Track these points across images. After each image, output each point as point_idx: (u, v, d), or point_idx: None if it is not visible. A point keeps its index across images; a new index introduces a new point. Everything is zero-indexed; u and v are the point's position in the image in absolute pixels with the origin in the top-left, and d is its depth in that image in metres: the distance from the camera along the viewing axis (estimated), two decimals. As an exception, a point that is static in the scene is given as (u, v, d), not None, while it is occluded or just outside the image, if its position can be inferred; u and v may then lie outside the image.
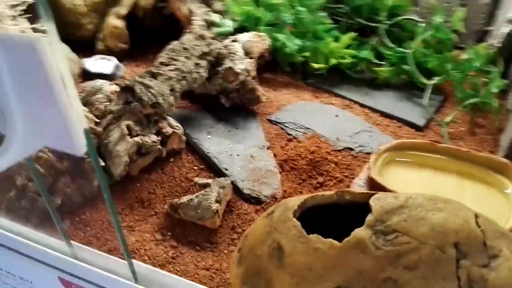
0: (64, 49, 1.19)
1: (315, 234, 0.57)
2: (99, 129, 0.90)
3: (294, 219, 0.60)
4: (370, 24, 1.35)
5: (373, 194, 0.62)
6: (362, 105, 1.23)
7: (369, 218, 0.57)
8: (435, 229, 0.55)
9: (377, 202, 0.59)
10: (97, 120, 0.92)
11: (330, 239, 0.56)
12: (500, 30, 1.30)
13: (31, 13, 1.07)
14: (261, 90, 1.14)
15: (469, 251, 0.55)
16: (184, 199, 0.84)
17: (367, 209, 0.58)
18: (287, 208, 0.62)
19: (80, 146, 0.31)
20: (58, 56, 0.30)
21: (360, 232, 0.55)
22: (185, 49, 1.05)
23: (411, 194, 0.60)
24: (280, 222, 0.60)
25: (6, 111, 0.30)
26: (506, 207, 0.86)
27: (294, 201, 0.63)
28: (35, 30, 1.06)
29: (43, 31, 1.03)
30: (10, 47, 0.28)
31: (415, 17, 1.39)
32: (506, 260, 0.54)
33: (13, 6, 1.03)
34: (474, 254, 0.54)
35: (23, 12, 1.04)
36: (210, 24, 1.28)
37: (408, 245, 0.54)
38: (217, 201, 0.83)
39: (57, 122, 0.30)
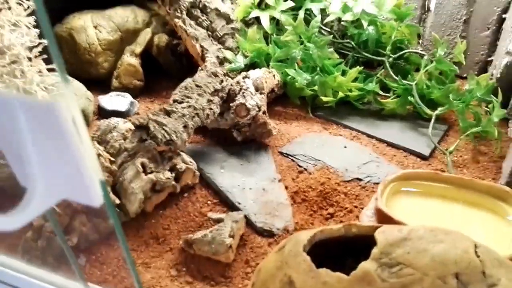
0: (80, 88, 1.25)
1: (324, 268, 0.60)
2: (114, 167, 0.95)
3: (304, 253, 0.63)
4: (375, 58, 1.39)
5: (378, 227, 0.65)
6: (369, 136, 1.27)
7: (375, 251, 0.60)
8: (435, 260, 0.58)
9: (381, 235, 0.62)
10: (112, 159, 0.96)
11: (338, 273, 0.59)
12: (499, 61, 1.34)
13: (47, 54, 1.13)
14: (272, 124, 1.18)
15: (469, 281, 0.57)
16: (199, 234, 0.87)
17: (373, 238, 0.62)
18: (297, 243, 0.65)
19: (96, 198, 0.35)
20: (74, 111, 0.33)
21: (366, 265, 0.58)
22: (198, 86, 1.11)
23: (413, 226, 0.64)
24: (291, 257, 0.64)
25: (26, 166, 0.34)
26: (508, 234, 0.89)
27: (304, 236, 0.67)
28: (50, 70, 1.11)
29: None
30: (31, 109, 0.32)
31: (419, 50, 1.44)
32: (505, 290, 0.56)
33: (30, 48, 1.08)
34: (474, 284, 0.57)
35: (39, 53, 1.09)
36: (222, 61, 1.33)
37: (412, 277, 0.57)
38: (230, 236, 0.86)
39: (74, 176, 0.34)
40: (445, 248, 0.59)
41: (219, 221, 0.92)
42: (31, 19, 1.04)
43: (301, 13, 1.33)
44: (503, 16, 1.42)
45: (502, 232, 0.90)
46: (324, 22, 1.38)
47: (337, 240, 0.70)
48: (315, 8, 1.36)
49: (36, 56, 1.03)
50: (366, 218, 0.94)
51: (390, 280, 0.57)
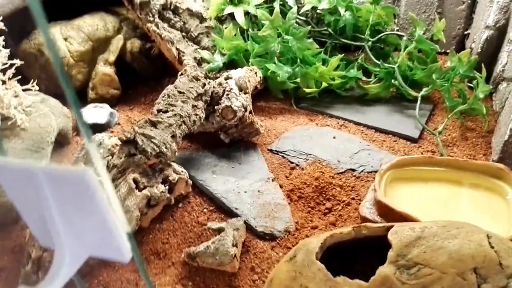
0: (56, 105, 1.20)
1: (342, 277, 0.59)
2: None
3: (318, 262, 0.62)
4: (354, 43, 1.38)
5: (389, 227, 0.64)
6: (356, 123, 1.26)
7: (391, 253, 0.59)
8: (453, 257, 0.57)
9: (395, 236, 0.61)
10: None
11: (357, 280, 0.58)
12: (478, 35, 1.34)
13: (21, 75, 1.08)
14: (259, 123, 1.16)
15: (487, 274, 0.57)
16: (201, 247, 0.85)
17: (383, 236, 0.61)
18: (309, 251, 0.64)
19: (126, 253, 0.33)
20: (101, 172, 0.31)
21: (384, 269, 0.57)
22: (180, 92, 1.07)
23: (425, 223, 0.63)
24: (304, 267, 0.62)
25: (53, 232, 0.32)
26: (509, 214, 0.89)
27: (315, 243, 0.65)
28: (25, 90, 1.06)
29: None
30: (60, 179, 0.30)
31: (396, 30, 1.43)
32: (525, 281, 0.56)
33: (2, 70, 1.03)
34: (493, 276, 0.57)
35: (12, 75, 1.04)
36: (200, 61, 1.30)
37: (431, 276, 0.56)
38: (233, 245, 0.84)
39: (105, 237, 0.32)
40: (460, 244, 0.58)
41: (219, 230, 0.89)
42: (0, 40, 0.99)
43: (277, 6, 1.30)
44: (477, -11, 1.42)
45: (503, 212, 0.90)
46: (300, 12, 1.35)
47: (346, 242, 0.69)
48: (290, -1, 1.33)
49: (9, 78, 0.98)
50: (366, 211, 0.93)
51: (410, 282, 0.56)
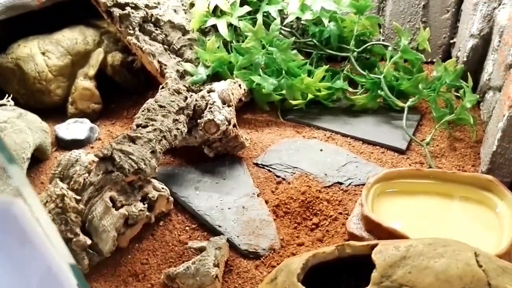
0: (35, 120, 1.16)
1: (323, 301, 0.56)
2: (81, 206, 0.88)
3: (300, 284, 0.59)
4: (340, 54, 1.36)
5: (374, 246, 0.61)
6: (344, 135, 1.23)
7: (374, 274, 0.56)
8: (439, 277, 0.55)
9: (379, 256, 0.58)
10: (78, 197, 0.89)
11: (339, 304, 0.55)
12: (464, 44, 1.33)
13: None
14: (244, 136, 1.13)
15: (477, 295, 0.54)
16: (181, 268, 0.82)
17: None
18: (290, 273, 0.61)
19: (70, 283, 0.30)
20: (33, 205, 0.28)
21: (368, 292, 0.54)
22: (161, 106, 1.04)
23: (411, 241, 0.60)
24: (285, 290, 0.59)
25: None
26: (499, 228, 0.87)
27: (296, 263, 0.62)
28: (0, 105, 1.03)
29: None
30: None
31: (381, 40, 1.41)
32: (515, 301, 0.54)
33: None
34: (483, 297, 0.54)
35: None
36: (183, 74, 1.27)
37: (417, 299, 0.53)
38: (215, 265, 0.81)
39: (43, 270, 0.29)
40: (447, 263, 0.56)
41: (201, 250, 0.86)
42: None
43: (260, 17, 1.28)
44: (461, -3, 1.41)
45: (493, 226, 0.88)
46: (285, 23, 1.34)
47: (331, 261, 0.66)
48: (273, 10, 1.31)
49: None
50: (354, 226, 0.91)
51: (395, 306, 0.53)
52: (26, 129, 1.05)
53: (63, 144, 1.23)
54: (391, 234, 0.80)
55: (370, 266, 0.59)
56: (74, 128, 1.25)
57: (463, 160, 1.14)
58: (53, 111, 1.35)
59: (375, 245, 0.61)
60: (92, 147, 1.23)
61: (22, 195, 0.28)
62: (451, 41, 1.48)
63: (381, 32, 1.54)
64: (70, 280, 0.30)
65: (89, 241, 0.86)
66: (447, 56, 1.49)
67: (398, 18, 1.50)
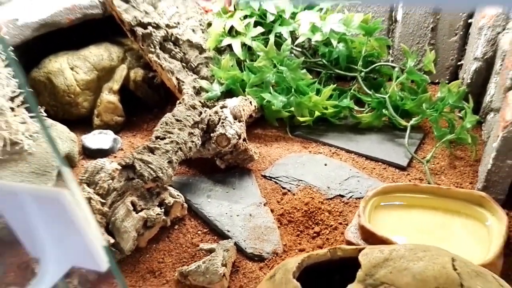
0: (64, 130, 1.27)
1: (313, 294, 0.63)
2: (105, 208, 0.97)
3: (294, 280, 0.66)
4: (348, 74, 1.44)
5: (362, 249, 0.69)
6: (348, 151, 1.31)
7: (359, 273, 0.64)
8: (416, 278, 0.62)
9: (365, 257, 0.66)
10: (103, 200, 0.98)
11: (327, 297, 0.62)
12: (468, 66, 1.39)
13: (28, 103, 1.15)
14: (253, 150, 1.22)
15: (449, 294, 0.61)
16: (192, 266, 0.90)
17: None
18: (287, 270, 0.69)
19: (102, 263, 0.39)
20: (76, 194, 0.37)
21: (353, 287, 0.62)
22: (178, 120, 1.14)
23: (394, 246, 0.68)
24: (282, 285, 0.67)
25: (38, 244, 0.38)
26: (488, 239, 0.93)
27: (293, 263, 0.70)
28: (32, 117, 1.13)
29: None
30: (40, 197, 0.36)
31: (390, 61, 1.48)
32: (482, 300, 0.60)
33: (12, 98, 1.10)
34: (455, 296, 0.61)
35: (21, 103, 1.11)
36: (199, 90, 1.36)
37: (396, 295, 0.61)
38: (223, 265, 0.89)
39: (82, 247, 0.38)
40: (425, 266, 0.63)
41: (211, 251, 0.95)
42: (10, 70, 1.06)
43: (272, 38, 1.37)
44: (469, 21, 1.47)
45: (481, 237, 0.94)
46: (296, 43, 1.42)
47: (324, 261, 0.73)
48: (284, 31, 1.40)
49: (18, 106, 1.06)
50: (351, 235, 0.98)
51: (376, 300, 0.61)
52: (56, 139, 1.15)
53: (88, 153, 1.33)
54: (384, 242, 0.87)
55: (358, 268, 0.66)
56: (99, 138, 1.35)
57: (462, 177, 1.20)
58: (80, 123, 1.46)
59: (363, 248, 0.68)
60: (115, 156, 1.33)
61: (69, 188, 0.37)
62: (459, 63, 1.54)
63: (390, 53, 1.62)
64: (103, 257, 0.39)
65: (112, 240, 0.96)
66: (454, 77, 1.55)
67: (407, 40, 1.57)
